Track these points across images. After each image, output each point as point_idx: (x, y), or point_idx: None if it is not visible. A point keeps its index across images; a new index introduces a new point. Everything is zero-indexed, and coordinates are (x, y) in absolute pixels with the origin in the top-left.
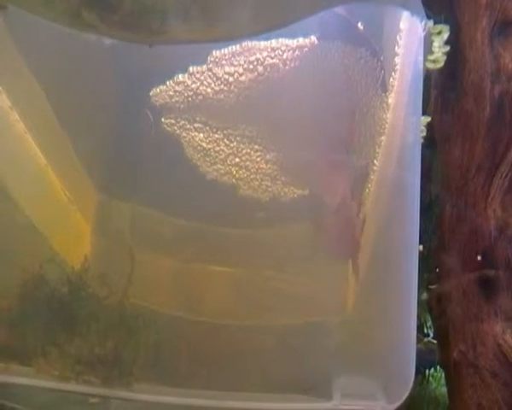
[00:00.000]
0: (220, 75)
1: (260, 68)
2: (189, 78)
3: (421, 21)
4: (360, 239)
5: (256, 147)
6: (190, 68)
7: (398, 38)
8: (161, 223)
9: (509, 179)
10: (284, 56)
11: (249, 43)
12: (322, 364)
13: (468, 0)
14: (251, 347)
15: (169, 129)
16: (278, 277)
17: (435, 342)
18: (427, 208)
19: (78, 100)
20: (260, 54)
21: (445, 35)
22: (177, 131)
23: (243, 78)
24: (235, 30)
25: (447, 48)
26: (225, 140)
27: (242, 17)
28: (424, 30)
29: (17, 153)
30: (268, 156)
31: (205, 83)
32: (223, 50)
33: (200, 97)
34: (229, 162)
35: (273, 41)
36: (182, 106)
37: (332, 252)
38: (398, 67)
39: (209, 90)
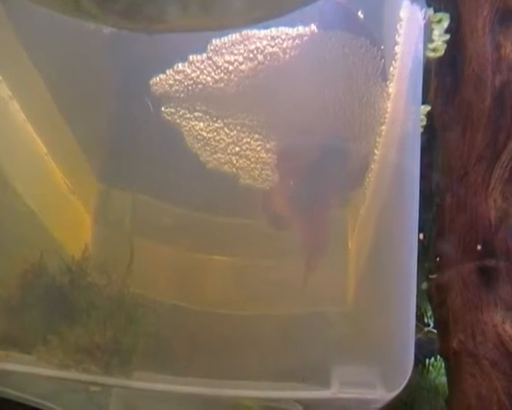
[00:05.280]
0: (220, 64)
1: (260, 57)
2: (188, 66)
3: (421, 10)
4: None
5: (256, 136)
6: (190, 57)
7: (398, 26)
8: (161, 212)
9: (510, 169)
10: (284, 45)
11: (249, 31)
12: (321, 353)
13: None
14: (250, 336)
15: (169, 118)
16: (278, 266)
17: (435, 331)
18: (427, 198)
19: (77, 89)
20: (260, 42)
21: (446, 23)
22: (177, 121)
23: (243, 66)
24: (234, 18)
25: (447, 36)
26: (225, 129)
27: (241, 5)
28: (424, 18)
29: (17, 142)
30: (268, 145)
31: (205, 72)
32: (222, 39)
33: (200, 86)
34: (229, 151)
35: (273, 29)
36: (182, 95)
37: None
38: (398, 55)
39: (209, 78)
